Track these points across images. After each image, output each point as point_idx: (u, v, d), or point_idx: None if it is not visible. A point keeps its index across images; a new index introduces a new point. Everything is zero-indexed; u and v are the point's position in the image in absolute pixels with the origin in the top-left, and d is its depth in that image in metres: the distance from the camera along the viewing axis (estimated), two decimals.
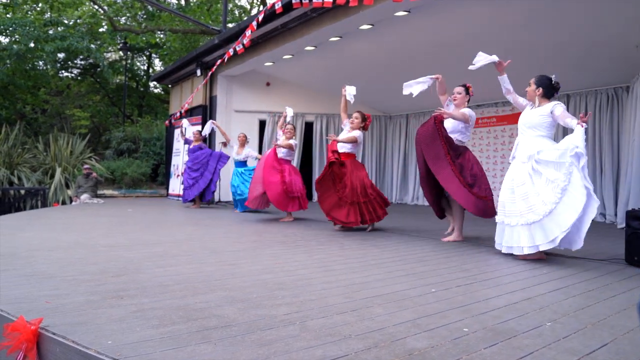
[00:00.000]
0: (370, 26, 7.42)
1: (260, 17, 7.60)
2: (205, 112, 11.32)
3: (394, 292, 2.89)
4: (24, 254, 3.96)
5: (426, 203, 11.71)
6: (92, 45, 17.01)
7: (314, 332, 2.12)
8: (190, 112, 11.80)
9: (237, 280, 3.14)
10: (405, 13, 6.75)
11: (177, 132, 12.37)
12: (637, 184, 6.29)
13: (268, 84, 11.33)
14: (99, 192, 12.57)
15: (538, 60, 7.55)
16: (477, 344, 2.05)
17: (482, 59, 4.46)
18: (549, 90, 4.15)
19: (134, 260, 3.77)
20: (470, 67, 4.49)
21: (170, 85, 14.37)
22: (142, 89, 22.18)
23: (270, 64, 10.08)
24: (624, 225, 6.15)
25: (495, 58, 4.41)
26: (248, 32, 7.90)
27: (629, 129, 6.75)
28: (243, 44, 8.18)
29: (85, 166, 11.45)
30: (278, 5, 7.27)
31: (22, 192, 11.49)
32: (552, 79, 4.15)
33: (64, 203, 11.44)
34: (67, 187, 11.88)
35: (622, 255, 4.15)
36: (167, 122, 13.81)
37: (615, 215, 7.31)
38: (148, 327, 2.14)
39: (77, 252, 4.12)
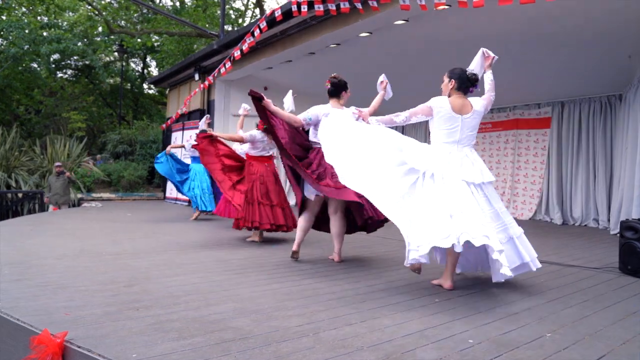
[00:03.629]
0: (368, 34, 7.53)
1: (262, 25, 7.69)
2: (203, 116, 11.36)
3: (398, 303, 3.00)
4: (33, 262, 4.03)
5: None
6: (89, 49, 17.02)
7: (328, 344, 2.23)
8: (188, 116, 11.86)
9: (246, 290, 3.24)
10: (404, 22, 6.87)
11: (174, 135, 12.44)
12: (629, 191, 6.45)
13: (265, 89, 11.41)
14: (96, 194, 12.60)
15: (532, 68, 7.71)
16: (483, 355, 2.16)
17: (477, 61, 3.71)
18: (463, 82, 3.53)
19: (141, 270, 3.85)
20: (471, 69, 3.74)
21: (168, 89, 14.41)
22: (136, 90, 22.16)
23: (268, 69, 10.17)
24: (616, 231, 6.34)
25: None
26: (249, 39, 7.97)
27: (622, 136, 6.91)
28: (242, 50, 8.27)
29: (57, 164, 10.59)
30: (278, 13, 7.37)
31: (20, 195, 11.50)
32: (468, 71, 3.59)
33: None
34: None
35: (616, 263, 4.29)
36: (163, 126, 13.86)
37: (608, 221, 7.47)
38: (168, 340, 2.23)
39: (85, 260, 4.19)
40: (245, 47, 8.12)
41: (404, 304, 2.99)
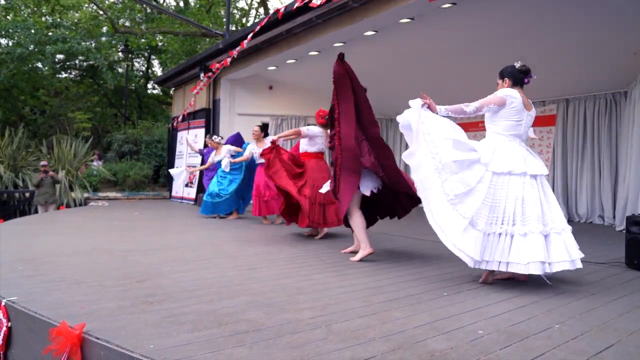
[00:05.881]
0: (374, 32, 7.56)
1: (263, 23, 7.73)
2: (208, 115, 11.46)
3: (408, 296, 3.04)
4: (45, 259, 4.09)
5: None
6: (93, 47, 17.11)
7: (340, 335, 2.27)
8: (193, 116, 11.92)
9: (257, 284, 3.28)
10: (409, 20, 6.90)
11: (180, 135, 12.50)
12: (635, 188, 6.46)
13: (271, 88, 11.48)
14: (102, 194, 12.67)
15: (538, 66, 7.70)
16: (493, 345, 2.20)
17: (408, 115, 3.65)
18: (517, 76, 3.55)
19: (152, 266, 3.90)
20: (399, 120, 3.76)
21: (173, 88, 14.49)
22: (139, 91, 22.26)
23: (274, 68, 10.21)
24: (622, 227, 6.36)
25: (418, 104, 3.58)
26: (247, 38, 8.02)
27: (627, 133, 6.92)
28: (243, 48, 8.33)
29: (43, 163, 10.33)
30: (281, 11, 7.42)
31: (27, 194, 11.59)
32: (517, 65, 3.58)
33: (68, 206, 11.53)
34: (71, 189, 11.97)
35: (622, 258, 4.31)
36: (169, 125, 13.94)
37: (614, 217, 7.48)
38: (184, 332, 2.28)
39: (96, 257, 4.25)
40: (236, 50, 8.16)
41: (413, 297, 3.03)
